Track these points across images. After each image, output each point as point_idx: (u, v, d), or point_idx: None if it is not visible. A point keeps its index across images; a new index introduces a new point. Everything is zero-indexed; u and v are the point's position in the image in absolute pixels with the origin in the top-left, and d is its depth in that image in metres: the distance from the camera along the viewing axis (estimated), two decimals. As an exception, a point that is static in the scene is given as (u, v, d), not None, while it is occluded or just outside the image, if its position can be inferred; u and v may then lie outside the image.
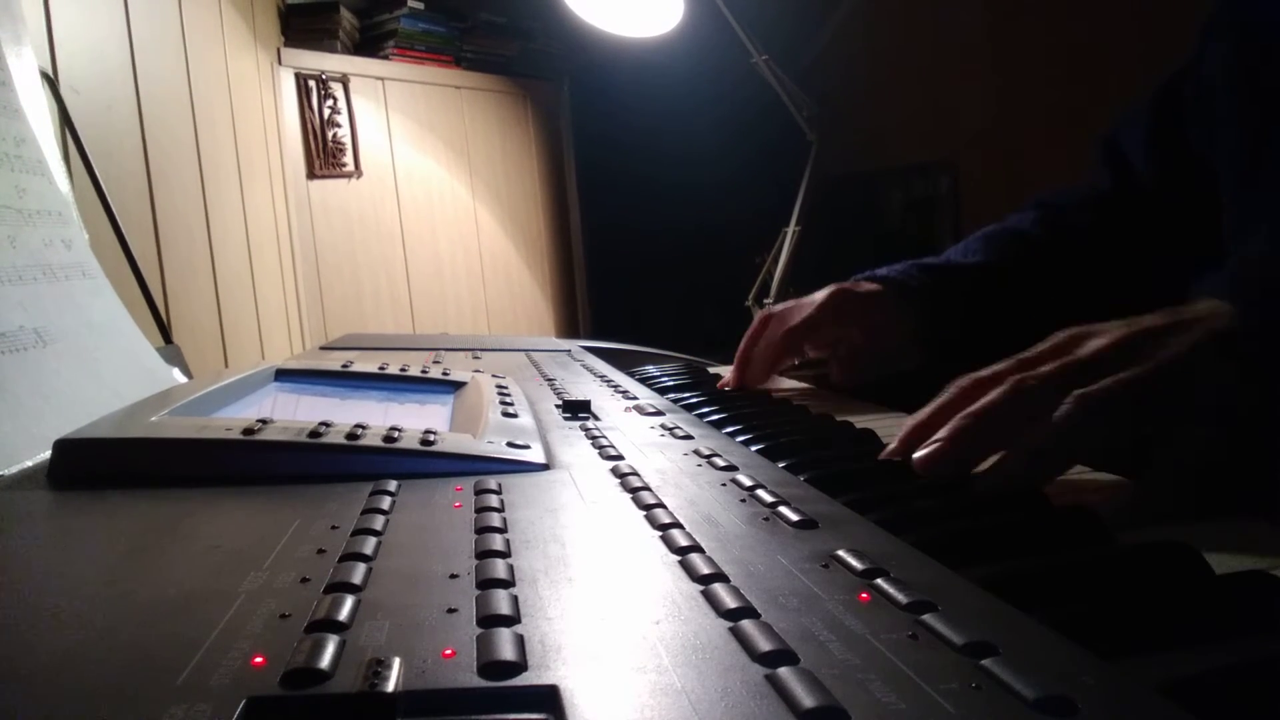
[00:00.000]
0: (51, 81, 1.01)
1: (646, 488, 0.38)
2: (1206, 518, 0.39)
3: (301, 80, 2.46)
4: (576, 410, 0.57)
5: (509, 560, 0.28)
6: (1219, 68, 0.64)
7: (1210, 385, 0.42)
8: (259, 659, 0.21)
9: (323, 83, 2.50)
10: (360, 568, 0.27)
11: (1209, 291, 0.47)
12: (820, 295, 0.77)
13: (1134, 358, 0.42)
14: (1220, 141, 0.63)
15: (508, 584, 0.26)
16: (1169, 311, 0.45)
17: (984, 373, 0.47)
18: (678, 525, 0.32)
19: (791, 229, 2.27)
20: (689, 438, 0.50)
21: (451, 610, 0.24)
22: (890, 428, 0.59)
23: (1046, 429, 0.41)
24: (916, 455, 0.43)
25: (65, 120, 1.01)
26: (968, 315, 0.75)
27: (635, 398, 0.64)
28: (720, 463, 0.43)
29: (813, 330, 0.76)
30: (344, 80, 2.55)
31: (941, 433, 0.43)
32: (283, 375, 0.66)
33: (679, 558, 0.29)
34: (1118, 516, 0.38)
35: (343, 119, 2.53)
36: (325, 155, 2.49)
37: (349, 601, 0.24)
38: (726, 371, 0.84)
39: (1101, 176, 0.80)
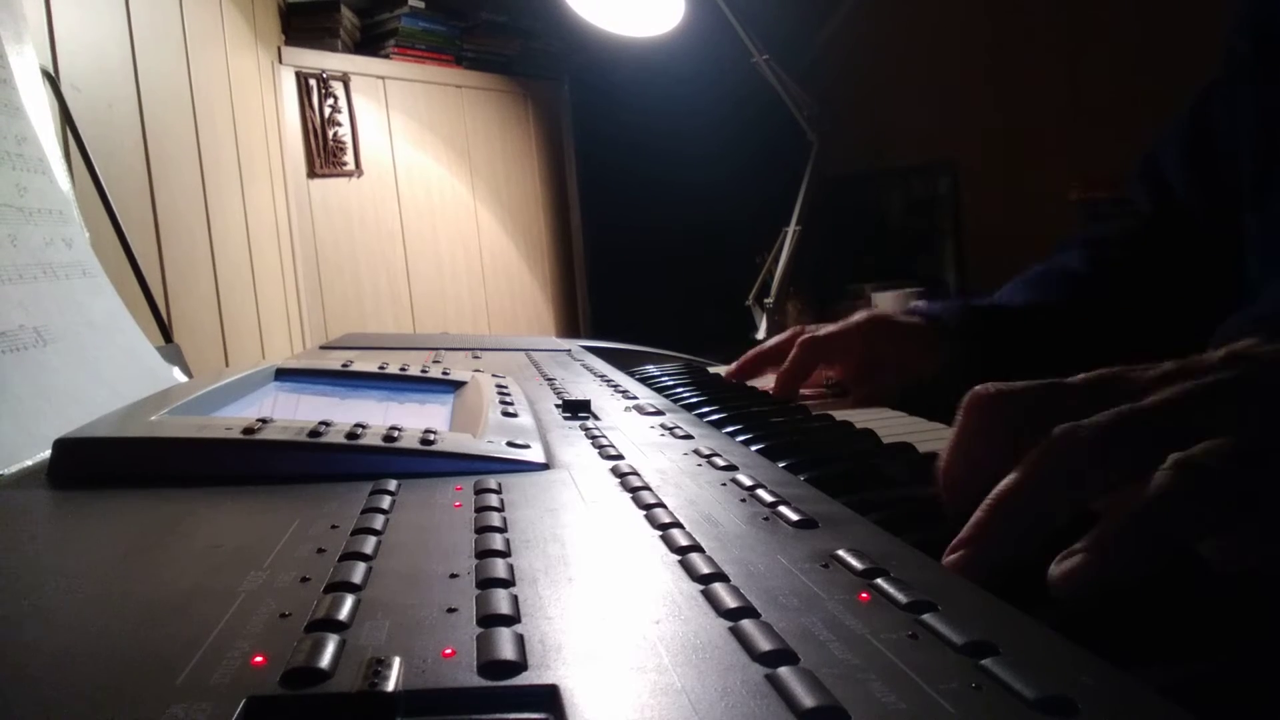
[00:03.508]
0: (52, 79, 1.01)
1: (646, 487, 0.38)
2: None
3: (302, 79, 2.46)
4: (576, 410, 0.57)
5: (509, 560, 0.28)
6: (1237, 69, 0.64)
7: None
8: (259, 658, 0.21)
9: (323, 81, 2.50)
10: (360, 567, 0.27)
11: (1248, 329, 0.40)
12: (854, 317, 0.75)
13: (1210, 415, 0.32)
14: (1240, 145, 0.63)
15: (508, 583, 0.26)
16: (1227, 354, 0.36)
17: (1014, 387, 0.36)
18: (678, 525, 0.32)
19: (792, 229, 2.27)
20: (689, 437, 0.50)
21: (451, 610, 0.24)
22: (890, 427, 0.58)
23: (1145, 500, 0.30)
24: (946, 560, 0.31)
25: (66, 118, 1.01)
26: (1018, 355, 0.71)
27: (635, 397, 0.64)
28: (720, 462, 0.43)
29: (835, 346, 0.73)
30: (345, 79, 2.55)
31: (968, 529, 0.32)
32: (283, 375, 0.66)
33: (679, 557, 0.29)
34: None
35: (343, 118, 2.53)
36: (326, 154, 2.49)
37: (349, 601, 0.24)
38: (727, 371, 0.84)
39: (1141, 200, 0.79)
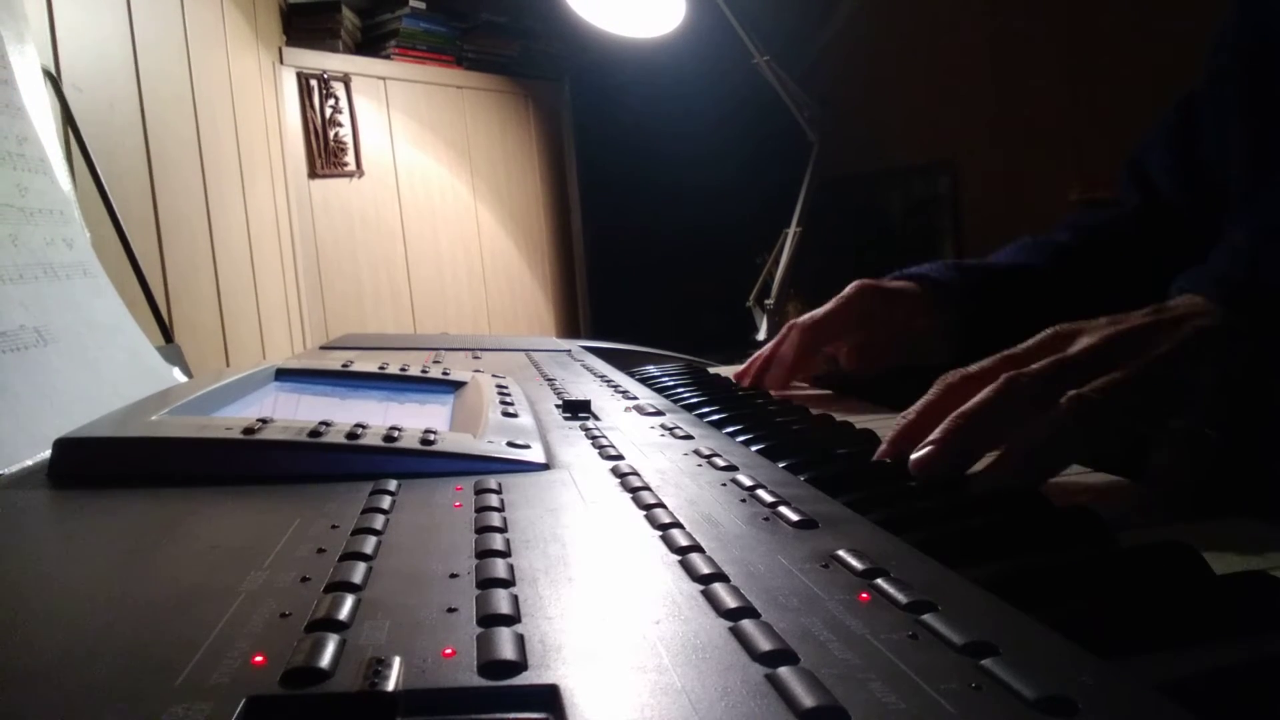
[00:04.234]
0: (54, 79, 1.01)
1: (646, 487, 0.38)
2: (1208, 516, 0.39)
3: (303, 79, 2.46)
4: (576, 410, 0.57)
5: (509, 560, 0.28)
6: (1225, 71, 0.64)
7: (1198, 382, 0.43)
8: (259, 658, 0.21)
9: (324, 82, 2.50)
10: (360, 567, 0.27)
11: (1188, 288, 0.48)
12: (845, 291, 0.76)
13: (1122, 356, 0.43)
14: (1228, 144, 0.63)
15: (508, 583, 0.26)
16: (1153, 309, 0.46)
17: (972, 369, 0.48)
18: (678, 525, 0.32)
19: (792, 229, 2.27)
20: (689, 438, 0.50)
21: (451, 610, 0.24)
22: (890, 427, 0.58)
23: (1043, 428, 0.41)
24: (912, 458, 0.43)
25: (67, 118, 1.01)
26: (1004, 315, 0.73)
27: (635, 398, 0.64)
28: (720, 463, 0.43)
29: (833, 325, 0.74)
30: (345, 80, 2.55)
31: (934, 434, 0.43)
32: (283, 375, 0.66)
33: (679, 557, 0.29)
34: (1122, 519, 0.38)
35: (344, 118, 2.53)
36: (327, 154, 2.49)
37: (349, 601, 0.24)
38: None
39: (1128, 197, 0.80)
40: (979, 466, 0.43)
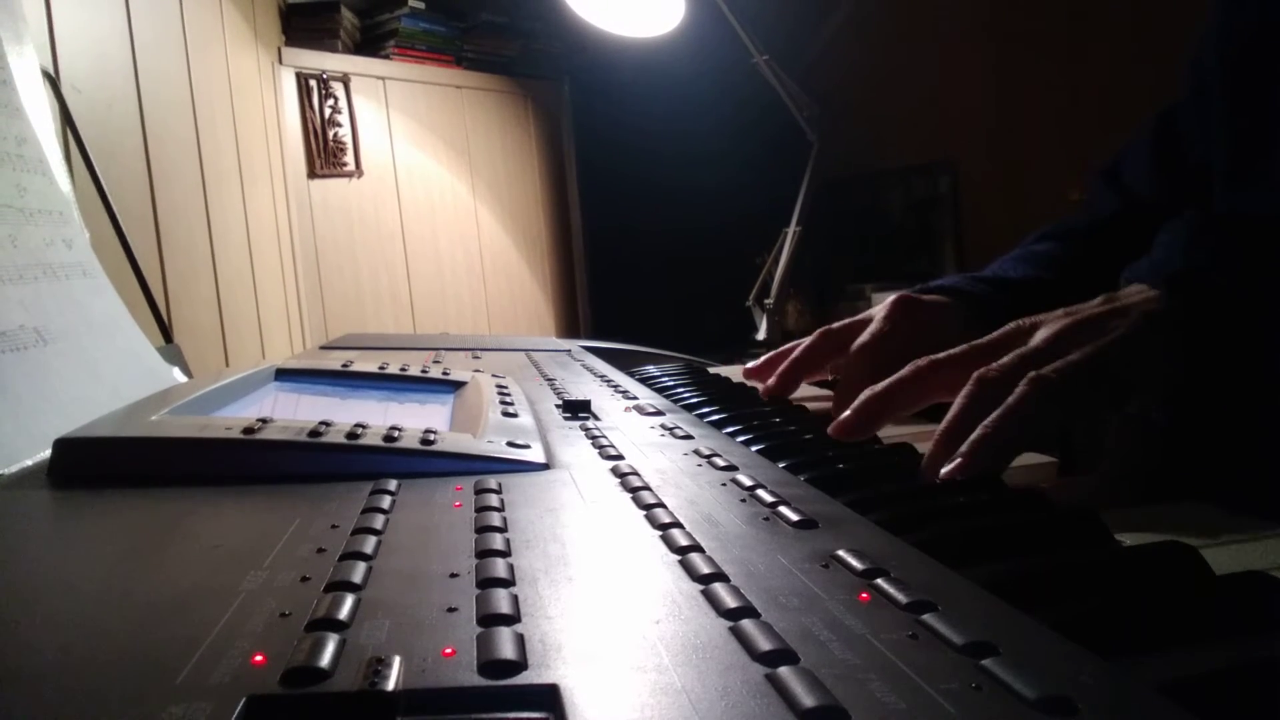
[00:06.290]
0: (53, 80, 1.01)
1: (646, 487, 0.38)
2: (1156, 500, 0.42)
3: (302, 80, 2.46)
4: (576, 410, 0.57)
5: (509, 559, 0.28)
6: (1209, 76, 0.64)
7: (1147, 364, 0.46)
8: (259, 658, 0.21)
9: (324, 82, 2.50)
10: (360, 566, 0.27)
11: (1133, 278, 0.51)
12: (884, 307, 0.74)
13: (1079, 343, 0.46)
14: (1210, 149, 0.64)
15: (508, 583, 0.26)
16: (1105, 299, 0.50)
17: (940, 357, 0.51)
18: (678, 525, 0.32)
19: (792, 229, 2.27)
20: (689, 437, 0.50)
21: (451, 609, 0.24)
22: (890, 428, 0.58)
23: (1004, 414, 0.43)
24: (946, 472, 0.45)
25: (66, 119, 1.01)
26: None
27: (635, 398, 0.64)
28: (720, 462, 0.43)
29: (885, 344, 0.72)
30: (345, 80, 2.55)
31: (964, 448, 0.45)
32: (283, 375, 0.66)
33: (679, 557, 0.29)
34: (1077, 502, 0.41)
35: (343, 118, 2.53)
36: (326, 155, 2.49)
37: (349, 600, 0.24)
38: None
39: (1104, 205, 0.80)
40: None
